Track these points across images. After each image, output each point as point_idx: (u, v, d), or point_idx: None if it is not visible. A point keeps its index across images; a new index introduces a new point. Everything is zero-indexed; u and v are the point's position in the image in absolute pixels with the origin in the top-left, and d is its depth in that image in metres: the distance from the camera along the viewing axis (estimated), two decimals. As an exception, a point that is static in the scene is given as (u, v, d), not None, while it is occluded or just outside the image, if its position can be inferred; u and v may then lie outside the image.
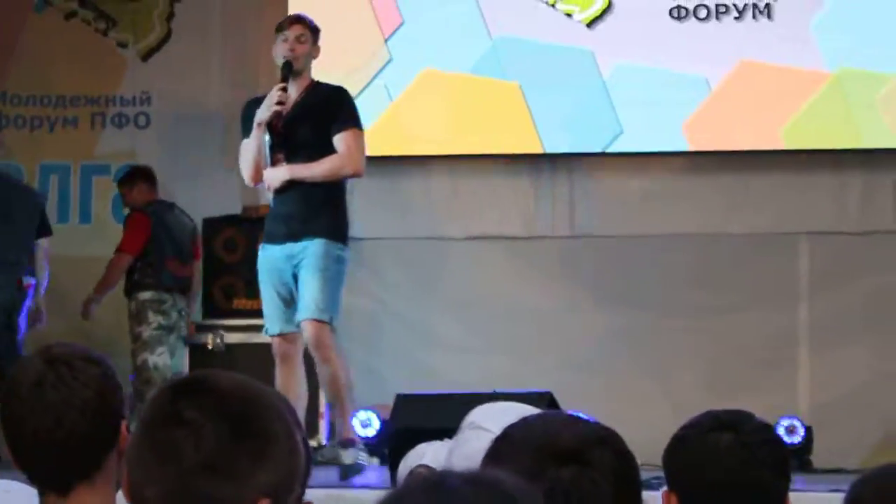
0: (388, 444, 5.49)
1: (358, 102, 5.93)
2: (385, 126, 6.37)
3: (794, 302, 6.10)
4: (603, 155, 6.25)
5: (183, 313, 6.05)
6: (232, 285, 6.23)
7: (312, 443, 6.02)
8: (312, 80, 5.19)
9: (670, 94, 6.19)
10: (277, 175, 5.05)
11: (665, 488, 1.77)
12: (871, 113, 6.07)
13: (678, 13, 6.14)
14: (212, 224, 6.21)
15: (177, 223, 6.40)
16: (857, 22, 6.13)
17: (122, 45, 6.82)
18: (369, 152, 6.20)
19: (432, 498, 0.87)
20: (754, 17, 6.02)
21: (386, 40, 6.43)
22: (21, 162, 6.89)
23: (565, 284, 6.22)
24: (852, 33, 6.08)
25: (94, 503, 1.76)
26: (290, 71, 5.05)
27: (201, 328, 6.11)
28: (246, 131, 5.21)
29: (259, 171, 5.17)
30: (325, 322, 5.03)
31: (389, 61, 6.43)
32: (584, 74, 6.24)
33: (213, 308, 6.18)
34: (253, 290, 6.06)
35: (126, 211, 6.20)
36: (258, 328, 5.95)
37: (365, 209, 6.45)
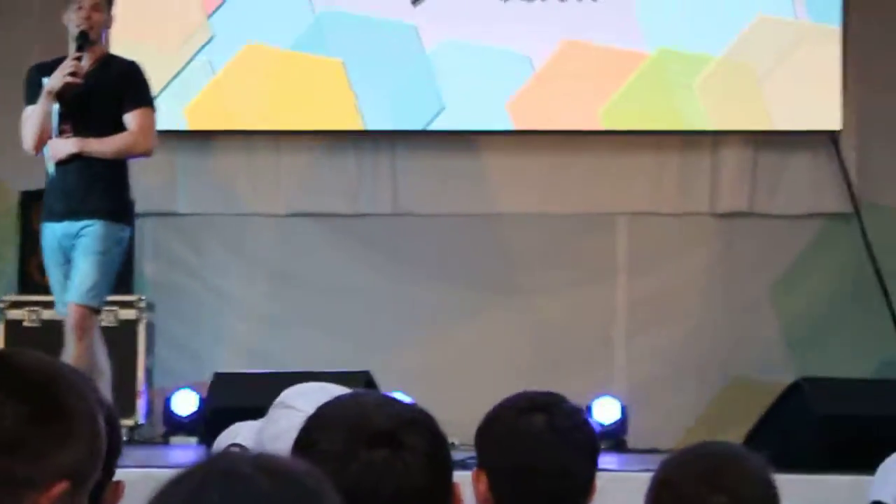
0: (205, 423, 5.63)
1: (180, 78, 5.88)
2: (207, 101, 6.32)
3: (613, 282, 6.21)
4: (425, 133, 6.26)
5: None
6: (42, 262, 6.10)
7: (129, 422, 6.06)
8: (106, 52, 5.11)
9: (494, 71, 6.21)
10: (65, 147, 4.96)
11: (476, 468, 1.79)
12: (689, 94, 6.16)
13: None
14: (29, 197, 6.08)
15: None
16: (677, 3, 6.23)
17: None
18: (191, 126, 6.13)
19: (220, 484, 0.86)
20: None
21: (209, 16, 6.39)
22: None
23: (387, 262, 6.28)
24: (673, 14, 6.18)
25: None
26: (85, 41, 4.95)
27: (17, 304, 6.07)
28: (30, 97, 5.08)
29: (43, 140, 5.03)
30: (93, 307, 5.03)
31: (212, 38, 6.39)
32: (407, 51, 6.25)
33: (30, 284, 6.12)
34: None
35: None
36: None
37: (186, 184, 6.43)
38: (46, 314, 5.96)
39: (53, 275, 5.19)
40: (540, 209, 6.25)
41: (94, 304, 4.98)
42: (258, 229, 6.49)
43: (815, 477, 4.05)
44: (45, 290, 6.05)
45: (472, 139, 6.24)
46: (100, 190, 5.04)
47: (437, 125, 6.25)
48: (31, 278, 6.11)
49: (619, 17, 6.25)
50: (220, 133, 6.45)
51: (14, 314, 6.04)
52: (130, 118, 5.00)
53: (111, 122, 5.02)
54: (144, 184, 6.18)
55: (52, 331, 5.90)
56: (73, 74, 4.86)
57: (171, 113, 6.26)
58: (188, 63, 6.28)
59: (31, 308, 5.98)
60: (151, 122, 5.13)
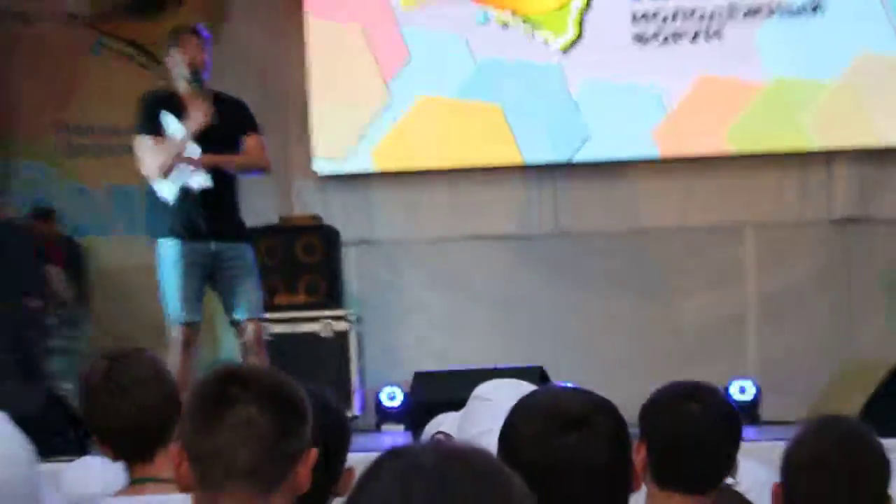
0: (409, 414, 6.44)
1: (368, 130, 6.86)
2: (391, 146, 7.34)
3: (744, 283, 7.09)
4: (578, 165, 7.21)
5: None
6: (274, 285, 6.98)
7: (347, 415, 7.02)
8: (213, 90, 5.36)
9: (635, 105, 7.09)
10: (200, 170, 5.28)
11: (638, 440, 1.92)
12: (804, 116, 6.99)
13: (640, 38, 7.08)
14: (254, 232, 6.84)
15: None
16: (793, 37, 7.00)
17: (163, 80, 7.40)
18: (379, 168, 7.12)
19: (409, 475, 0.91)
20: (706, 39, 7.01)
21: (387, 83, 7.32)
22: (89, 185, 7.82)
23: (551, 274, 7.19)
24: (789, 47, 7.00)
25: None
26: (198, 79, 5.25)
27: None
28: (146, 127, 5.33)
29: (170, 170, 5.28)
30: (263, 319, 5.60)
31: (391, 96, 7.32)
32: (555, 90, 7.17)
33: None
34: (292, 288, 7.08)
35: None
36: (297, 320, 6.91)
37: (381, 216, 7.42)
38: (276, 329, 6.72)
39: (186, 287, 5.36)
40: (678, 223, 7.12)
41: (263, 315, 5.55)
42: (441, 251, 7.38)
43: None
44: (272, 308, 6.71)
45: (620, 166, 7.13)
46: (238, 216, 5.51)
47: (584, 154, 7.17)
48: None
49: (742, 52, 7.02)
50: (405, 173, 7.40)
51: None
52: (249, 141, 5.38)
53: (232, 147, 5.39)
54: (346, 217, 7.23)
55: (281, 344, 6.63)
56: (206, 118, 5.18)
57: (363, 158, 7.33)
58: (374, 120, 7.25)
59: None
60: (264, 144, 5.52)
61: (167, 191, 5.28)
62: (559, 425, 1.53)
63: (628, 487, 1.62)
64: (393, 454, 0.95)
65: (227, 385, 1.60)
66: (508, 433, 1.60)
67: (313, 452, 1.61)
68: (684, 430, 2.01)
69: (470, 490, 0.89)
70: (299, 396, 1.64)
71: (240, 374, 1.64)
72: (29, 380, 7.24)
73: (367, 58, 7.21)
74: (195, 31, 5.41)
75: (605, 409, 1.56)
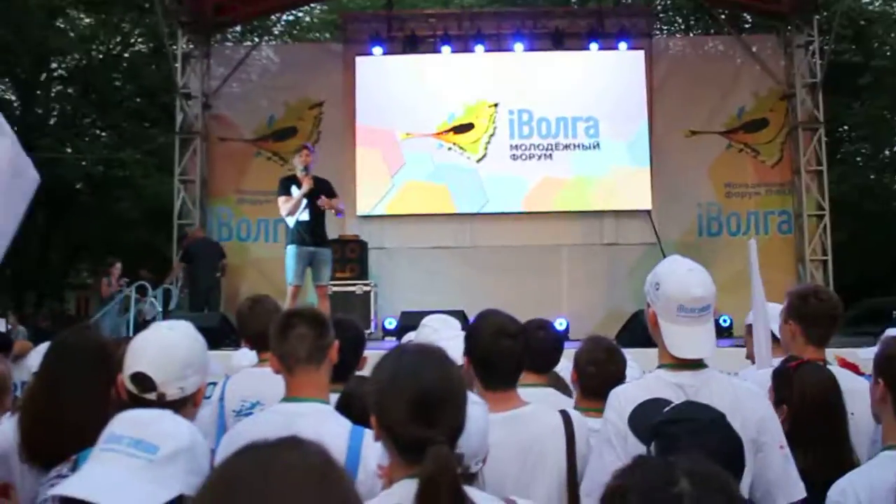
0: (398, 332, 7.76)
1: (382, 200, 10.86)
2: (394, 204, 11.49)
3: (559, 274, 11.03)
4: (482, 214, 11.35)
5: None
6: (336, 268, 8.79)
7: (367, 330, 8.99)
8: (314, 175, 6.97)
9: (511, 188, 11.31)
10: (306, 211, 6.86)
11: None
12: (589, 194, 11.21)
13: (514, 157, 11.35)
14: (330, 242, 7.66)
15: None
16: (584, 158, 11.30)
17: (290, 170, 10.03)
18: (387, 212, 11.07)
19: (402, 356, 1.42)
20: (545, 159, 11.42)
21: (392, 175, 11.48)
22: (249, 218, 11.74)
23: (469, 266, 11.06)
24: (582, 162, 11.27)
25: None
26: (307, 170, 6.89)
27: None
28: (282, 192, 6.93)
29: (295, 213, 6.86)
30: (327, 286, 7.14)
31: (392, 185, 11.34)
32: (473, 179, 11.34)
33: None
34: (343, 269, 9.86)
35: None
36: (345, 285, 9.56)
37: (390, 235, 11.27)
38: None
39: (296, 267, 6.89)
40: (531, 243, 11.15)
41: (329, 283, 7.24)
42: (418, 253, 11.21)
43: None
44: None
45: (504, 214, 11.29)
46: (324, 234, 7.13)
47: (485, 209, 11.16)
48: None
49: (562, 164, 11.19)
50: (400, 215, 11.40)
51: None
52: (333, 198, 7.03)
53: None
54: (370, 236, 10.82)
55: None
56: (310, 187, 6.82)
57: (380, 209, 11.41)
58: (386, 192, 11.42)
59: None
60: (339, 202, 7.09)
61: (291, 222, 7.01)
62: (504, 334, 2.11)
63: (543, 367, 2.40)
64: (395, 348, 1.45)
65: (289, 318, 2.15)
66: (472, 335, 2.17)
67: (336, 343, 2.11)
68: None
69: (431, 357, 1.40)
70: (324, 318, 2.13)
71: (296, 311, 2.12)
72: (212, 310, 10.15)
73: (382, 164, 11.51)
74: (306, 147, 7.24)
75: (523, 328, 2.18)
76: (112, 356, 2.21)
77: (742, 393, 2.06)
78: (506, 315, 2.23)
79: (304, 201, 6.90)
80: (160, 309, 10.29)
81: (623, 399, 2.03)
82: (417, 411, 1.40)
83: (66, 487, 1.23)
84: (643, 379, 2.18)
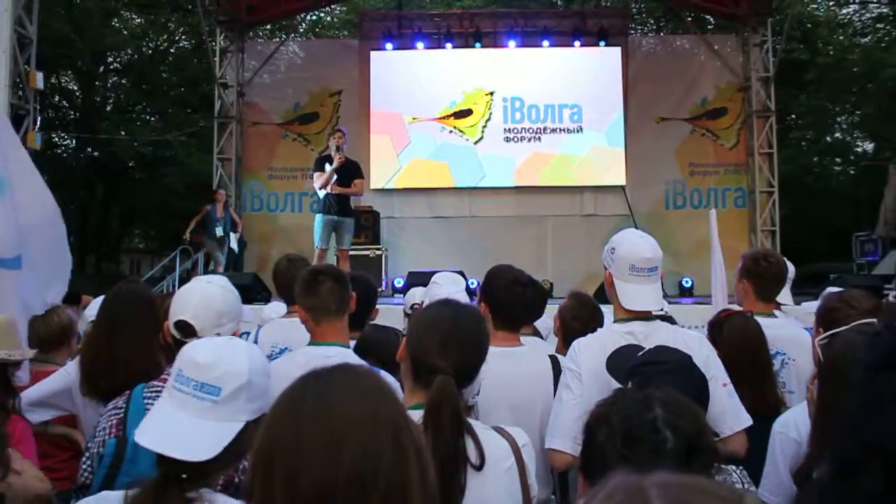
0: (405, 290, 6.41)
1: (392, 177, 10.89)
2: (402, 178, 11.49)
3: (544, 250, 11.04)
4: (479, 188, 11.37)
5: None
6: (355, 234, 8.49)
7: (379, 288, 9.14)
8: (345, 155, 7.03)
9: (504, 164, 11.21)
10: (335, 188, 6.93)
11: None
12: (571, 170, 11.17)
13: (508, 139, 11.29)
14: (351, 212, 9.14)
15: None
16: (567, 140, 11.33)
17: (312, 149, 11.49)
18: (396, 186, 11.14)
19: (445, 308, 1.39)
20: (535, 140, 11.47)
21: (398, 154, 11.46)
22: (279, 191, 11.64)
23: (468, 232, 10.99)
24: (566, 142, 11.26)
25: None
26: (340, 150, 6.94)
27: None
28: (317, 168, 6.99)
29: (326, 186, 6.88)
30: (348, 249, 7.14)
31: (400, 165, 11.36)
32: (471, 157, 11.35)
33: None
34: (359, 236, 9.58)
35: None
36: (361, 249, 9.58)
37: (400, 206, 11.27)
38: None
39: (322, 232, 6.87)
40: (516, 214, 11.20)
41: (349, 247, 7.21)
42: (422, 223, 11.22)
43: None
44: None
45: (498, 188, 11.26)
46: (348, 206, 7.16)
47: (482, 183, 11.14)
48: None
49: (548, 144, 11.16)
50: (408, 189, 11.38)
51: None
52: (357, 181, 7.08)
53: (350, 181, 6.99)
54: (382, 206, 10.77)
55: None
56: (339, 162, 6.85)
57: (390, 183, 11.39)
58: (395, 169, 11.45)
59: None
60: (364, 184, 7.36)
61: (322, 195, 7.10)
62: (518, 283, 2.12)
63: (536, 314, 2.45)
64: (441, 300, 1.45)
65: (316, 274, 2.13)
66: (490, 283, 2.15)
67: (354, 295, 2.13)
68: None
69: (469, 309, 1.43)
70: (344, 275, 2.12)
71: (320, 269, 2.09)
72: (238, 270, 10.08)
73: (390, 145, 11.51)
74: (340, 130, 7.26)
75: (532, 279, 2.22)
76: (158, 306, 2.20)
77: (687, 338, 2.06)
78: (517, 269, 2.26)
79: (335, 176, 6.92)
80: (223, 261, 9.90)
81: (579, 349, 2.04)
82: (442, 345, 1.40)
83: (144, 437, 1.22)
84: (598, 332, 2.18)
